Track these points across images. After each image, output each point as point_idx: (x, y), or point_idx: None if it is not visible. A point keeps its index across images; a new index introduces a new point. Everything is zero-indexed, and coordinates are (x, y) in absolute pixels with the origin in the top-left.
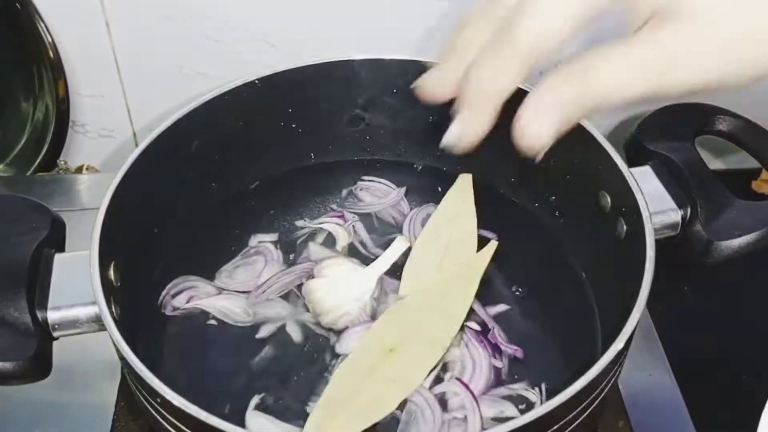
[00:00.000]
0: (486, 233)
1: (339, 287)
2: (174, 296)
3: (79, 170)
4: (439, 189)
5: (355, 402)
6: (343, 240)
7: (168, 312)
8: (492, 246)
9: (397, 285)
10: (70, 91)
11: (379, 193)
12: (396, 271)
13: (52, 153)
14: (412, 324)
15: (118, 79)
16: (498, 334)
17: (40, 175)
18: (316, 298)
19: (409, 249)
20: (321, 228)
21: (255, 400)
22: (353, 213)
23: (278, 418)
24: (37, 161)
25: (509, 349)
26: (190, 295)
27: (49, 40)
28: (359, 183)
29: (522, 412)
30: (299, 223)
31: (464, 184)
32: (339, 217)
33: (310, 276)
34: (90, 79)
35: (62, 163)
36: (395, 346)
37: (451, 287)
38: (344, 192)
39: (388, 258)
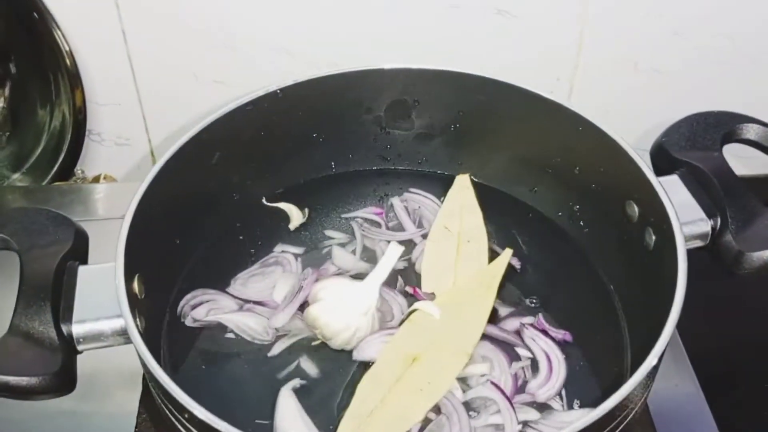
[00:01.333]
0: (502, 243)
1: (341, 307)
2: (194, 308)
3: (96, 179)
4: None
5: (382, 413)
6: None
7: (188, 323)
8: (507, 254)
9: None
10: (87, 100)
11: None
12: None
13: (69, 162)
14: (433, 333)
15: (134, 88)
16: (543, 321)
17: (57, 185)
18: (322, 323)
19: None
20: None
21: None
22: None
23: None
24: (54, 170)
25: (558, 334)
26: (210, 308)
27: (67, 48)
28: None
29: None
30: (327, 232)
31: (463, 183)
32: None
33: (306, 304)
34: (106, 87)
35: (79, 172)
36: (418, 355)
37: (468, 296)
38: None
39: (385, 266)
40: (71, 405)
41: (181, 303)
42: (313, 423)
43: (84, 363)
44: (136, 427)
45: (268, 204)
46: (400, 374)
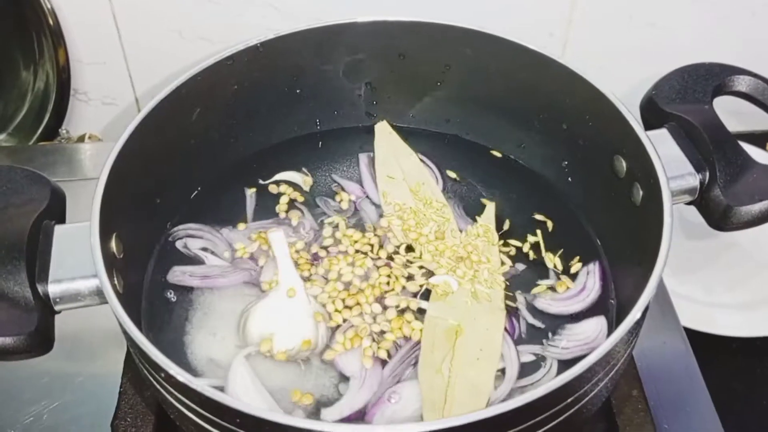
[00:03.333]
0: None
1: (276, 316)
2: (191, 238)
3: (81, 139)
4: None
5: (453, 395)
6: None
7: (179, 246)
8: (491, 207)
9: None
10: (71, 59)
11: None
12: None
13: (54, 122)
14: (459, 302)
15: (119, 46)
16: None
17: (41, 145)
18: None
19: None
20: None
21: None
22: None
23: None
24: (39, 131)
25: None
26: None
27: (49, 7)
28: None
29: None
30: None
31: (384, 129)
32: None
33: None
34: (91, 46)
35: (64, 132)
36: (458, 327)
37: (475, 257)
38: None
39: (283, 260)
40: (57, 365)
41: (180, 227)
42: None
43: (68, 323)
44: (121, 387)
45: (270, 182)
46: (451, 351)
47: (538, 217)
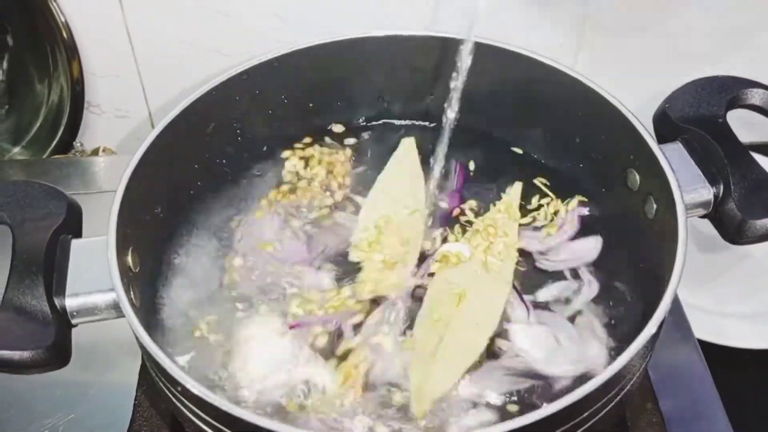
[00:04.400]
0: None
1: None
2: None
3: (95, 152)
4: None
5: (444, 353)
6: None
7: None
8: (518, 186)
9: None
10: (85, 72)
11: None
12: None
13: (68, 135)
14: (470, 269)
15: (132, 59)
16: None
17: (56, 158)
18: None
19: None
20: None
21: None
22: None
23: None
24: (53, 143)
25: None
26: None
27: (62, 20)
28: None
29: None
30: None
31: (409, 146)
32: None
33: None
34: (104, 59)
35: (78, 145)
36: (463, 292)
37: (493, 230)
38: None
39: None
40: (72, 376)
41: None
42: None
43: (84, 334)
44: (136, 399)
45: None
46: (452, 314)
47: None
